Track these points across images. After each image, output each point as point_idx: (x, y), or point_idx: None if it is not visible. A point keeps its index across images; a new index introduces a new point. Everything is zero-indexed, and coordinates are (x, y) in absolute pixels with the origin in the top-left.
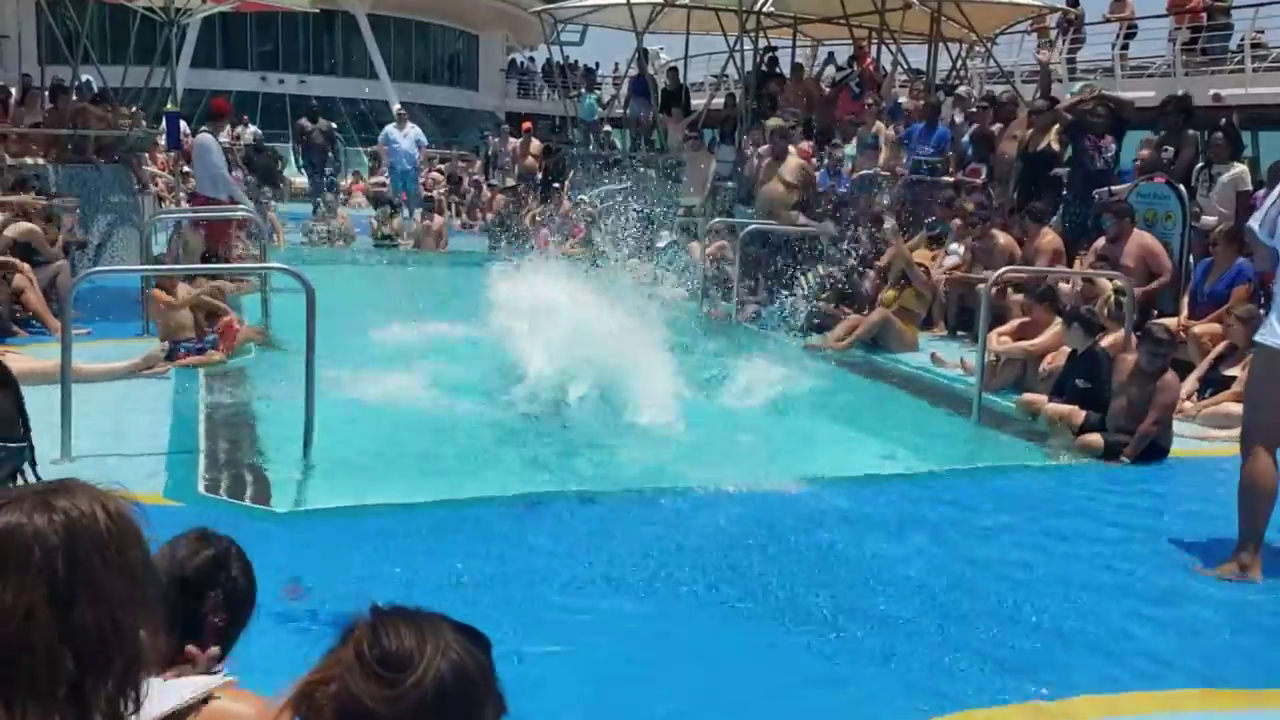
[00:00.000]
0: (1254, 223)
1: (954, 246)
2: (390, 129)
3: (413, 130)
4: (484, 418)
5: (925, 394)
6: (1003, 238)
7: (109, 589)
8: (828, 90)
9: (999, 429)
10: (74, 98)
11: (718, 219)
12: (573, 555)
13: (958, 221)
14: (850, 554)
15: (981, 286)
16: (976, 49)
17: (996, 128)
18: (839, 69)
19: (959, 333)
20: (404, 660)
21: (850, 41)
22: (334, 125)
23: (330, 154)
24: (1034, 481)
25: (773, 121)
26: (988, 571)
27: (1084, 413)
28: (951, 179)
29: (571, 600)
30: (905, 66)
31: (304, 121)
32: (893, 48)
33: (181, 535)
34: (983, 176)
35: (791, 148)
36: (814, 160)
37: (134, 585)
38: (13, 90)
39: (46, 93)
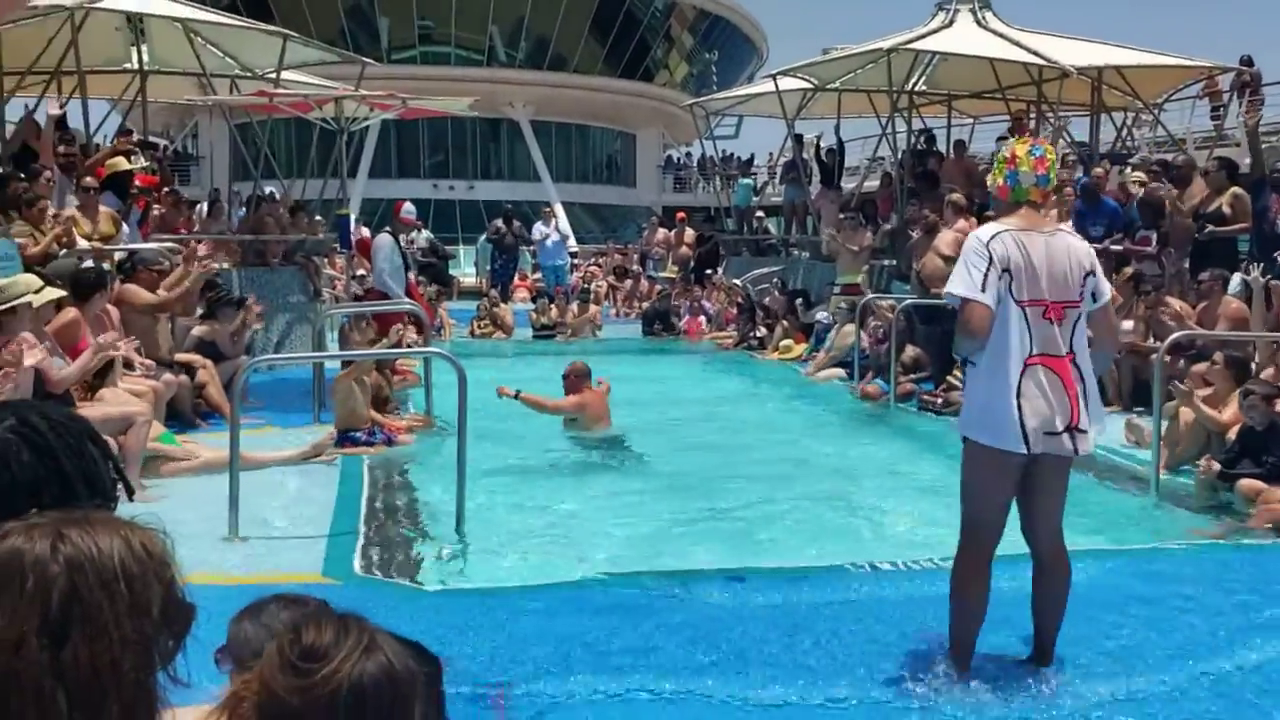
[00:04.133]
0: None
1: (1124, 324)
2: (537, 226)
3: (559, 227)
4: (630, 495)
5: (1094, 470)
6: (1178, 304)
7: (111, 627)
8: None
9: (1181, 506)
10: (259, 207)
11: (873, 295)
12: (728, 637)
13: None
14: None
15: (1155, 357)
16: (1143, 117)
17: (1170, 194)
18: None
19: (1135, 408)
20: (318, 653)
21: (1008, 116)
22: (522, 227)
23: (519, 253)
24: (1233, 559)
25: (955, 196)
26: (1189, 658)
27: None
28: (1120, 248)
29: (726, 685)
30: (1068, 140)
31: (499, 223)
32: (1052, 120)
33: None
34: (1154, 244)
35: (961, 222)
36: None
37: (145, 625)
38: (200, 204)
39: (228, 204)
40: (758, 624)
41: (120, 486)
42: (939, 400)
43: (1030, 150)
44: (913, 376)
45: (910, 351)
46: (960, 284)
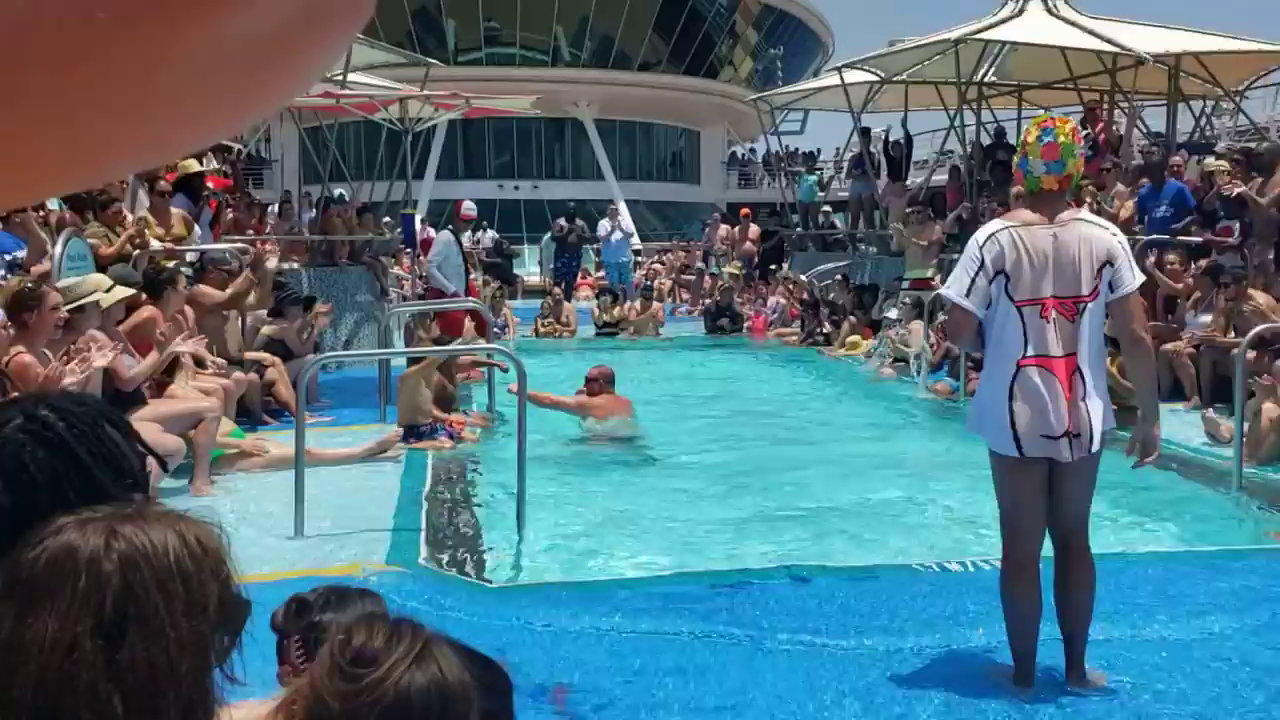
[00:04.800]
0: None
1: (1203, 317)
2: (602, 223)
3: (624, 224)
4: (692, 493)
5: (1174, 466)
6: (1261, 298)
7: (166, 626)
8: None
9: (1264, 505)
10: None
11: (941, 289)
12: (788, 636)
13: (1189, 282)
14: (1108, 640)
15: (1237, 352)
16: (1224, 105)
17: (1256, 183)
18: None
19: (1216, 405)
20: (368, 658)
21: (1080, 106)
22: (585, 226)
23: (581, 251)
24: None
25: (1018, 188)
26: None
27: None
28: (1199, 238)
29: (788, 686)
30: (1144, 130)
31: (562, 222)
32: (1126, 108)
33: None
34: (1236, 235)
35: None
36: None
37: (201, 623)
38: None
39: (296, 206)
40: (819, 624)
41: (151, 460)
42: None
43: (1040, 135)
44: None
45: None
46: (952, 287)
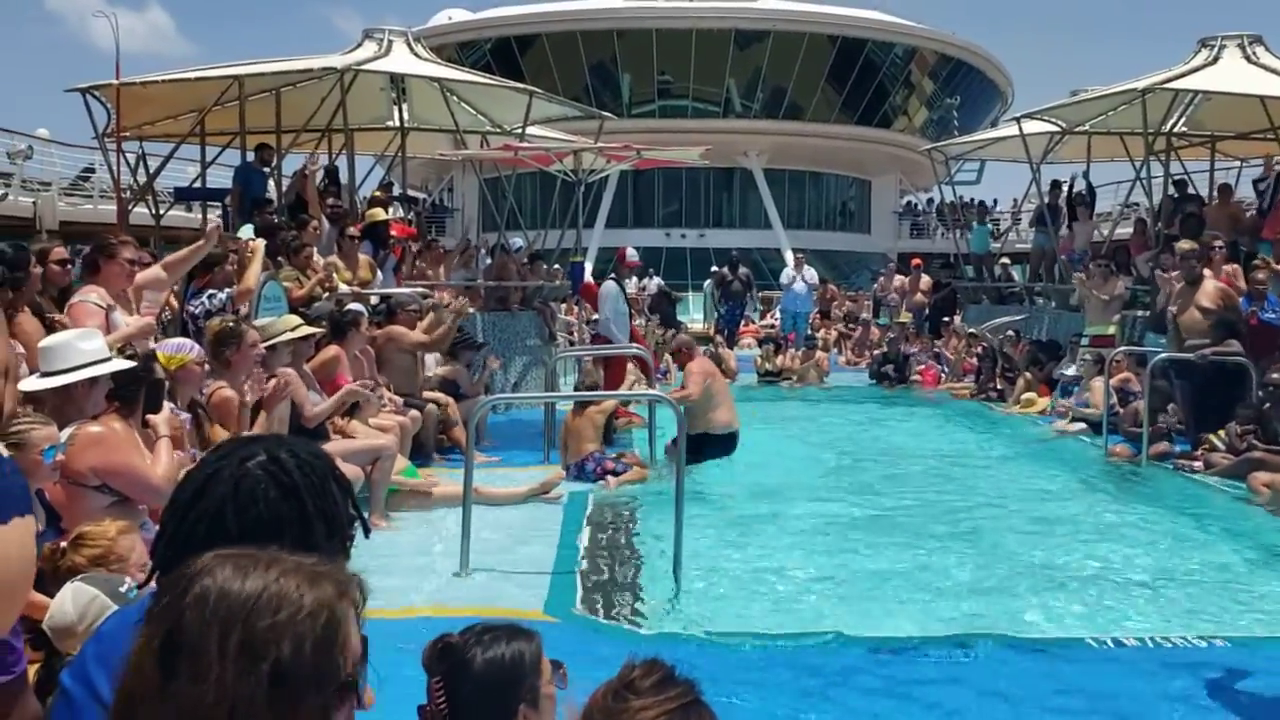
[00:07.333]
0: None
1: None
2: (787, 271)
3: (808, 274)
4: (853, 549)
5: None
6: None
7: (212, 671)
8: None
9: None
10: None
11: (1123, 348)
12: (944, 708)
13: None
14: None
15: None
16: None
17: None
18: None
19: None
20: (634, 691)
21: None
22: (751, 273)
23: (745, 299)
24: None
25: (1183, 244)
26: None
27: None
28: None
29: None
30: None
31: (724, 270)
32: None
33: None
34: None
35: (1208, 271)
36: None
37: (253, 680)
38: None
39: (480, 250)
40: (977, 696)
41: (358, 525)
42: (1196, 462)
43: None
44: (1169, 435)
45: (1168, 408)
46: None
